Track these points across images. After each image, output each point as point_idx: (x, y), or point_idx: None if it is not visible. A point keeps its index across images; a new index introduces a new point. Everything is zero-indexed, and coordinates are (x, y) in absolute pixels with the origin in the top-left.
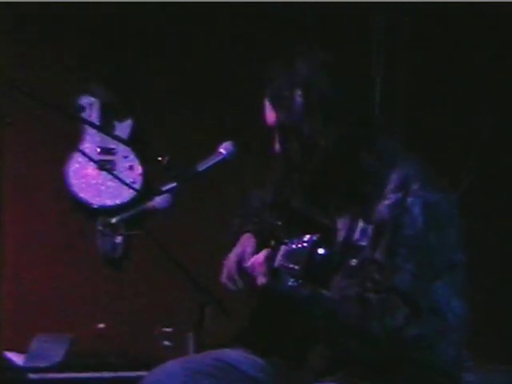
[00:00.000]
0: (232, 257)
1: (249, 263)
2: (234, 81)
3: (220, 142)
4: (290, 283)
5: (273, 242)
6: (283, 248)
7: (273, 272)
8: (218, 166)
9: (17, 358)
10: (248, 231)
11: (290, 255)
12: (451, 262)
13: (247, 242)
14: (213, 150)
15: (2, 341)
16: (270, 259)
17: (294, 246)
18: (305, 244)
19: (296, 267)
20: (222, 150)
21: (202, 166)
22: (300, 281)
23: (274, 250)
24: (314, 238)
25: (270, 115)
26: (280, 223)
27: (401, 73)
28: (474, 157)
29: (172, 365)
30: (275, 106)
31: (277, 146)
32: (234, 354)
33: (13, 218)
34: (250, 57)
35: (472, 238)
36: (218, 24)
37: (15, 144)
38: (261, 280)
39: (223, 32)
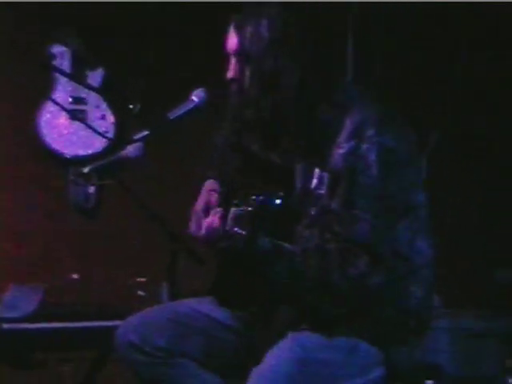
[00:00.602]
0: (197, 207)
1: (204, 228)
2: (210, 28)
3: (192, 89)
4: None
5: (224, 204)
6: (232, 211)
7: (226, 236)
8: (190, 113)
9: None
10: (211, 177)
11: (238, 219)
12: (411, 203)
13: (211, 190)
14: (185, 97)
15: None
16: (223, 223)
17: (240, 210)
18: (250, 208)
19: (243, 232)
20: (193, 98)
21: (173, 114)
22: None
23: (226, 211)
24: (260, 198)
25: (232, 41)
26: (240, 167)
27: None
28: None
29: (146, 314)
30: (239, 32)
31: (231, 73)
32: (207, 303)
33: None
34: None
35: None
36: None
37: None
38: (218, 244)
39: None
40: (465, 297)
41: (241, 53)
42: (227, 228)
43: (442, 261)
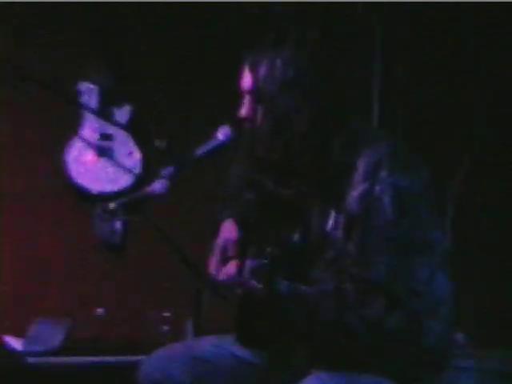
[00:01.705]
0: (216, 247)
1: (221, 276)
2: (232, 70)
3: (217, 127)
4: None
5: (240, 251)
6: (248, 264)
7: (243, 286)
8: (216, 151)
9: (15, 343)
10: (229, 216)
11: (254, 272)
12: (427, 239)
13: (228, 229)
14: (211, 135)
15: (1, 326)
16: (239, 273)
17: (257, 262)
18: (265, 260)
19: (260, 285)
20: (219, 135)
21: (200, 151)
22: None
23: (242, 261)
24: (276, 250)
25: (247, 79)
26: (255, 205)
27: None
28: (470, 153)
29: (171, 350)
30: (253, 71)
31: (244, 112)
32: (230, 341)
33: (12, 204)
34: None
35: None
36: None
37: (15, 128)
38: (236, 291)
39: (224, 21)
40: (493, 337)
41: (254, 92)
42: (244, 280)
43: (470, 299)
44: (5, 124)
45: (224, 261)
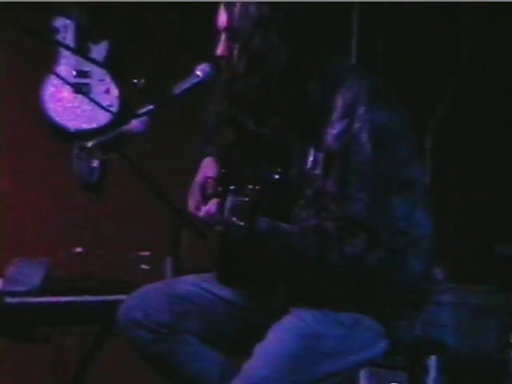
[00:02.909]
0: (195, 185)
1: (202, 213)
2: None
3: (196, 64)
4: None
5: (220, 189)
6: (229, 200)
7: (224, 223)
8: (195, 88)
9: None
10: (209, 155)
11: (235, 209)
12: (407, 177)
13: (208, 166)
14: (189, 72)
15: None
16: (219, 211)
17: (238, 200)
18: (247, 198)
19: (241, 223)
20: (198, 72)
21: (178, 89)
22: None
23: (223, 198)
24: (257, 188)
25: (222, 17)
26: (235, 143)
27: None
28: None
29: (149, 290)
30: (228, 10)
31: (219, 50)
32: (209, 280)
33: None
34: None
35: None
36: None
37: None
38: (216, 228)
39: None
40: (468, 272)
41: (229, 30)
42: (225, 217)
43: (446, 237)
44: None
45: (204, 199)
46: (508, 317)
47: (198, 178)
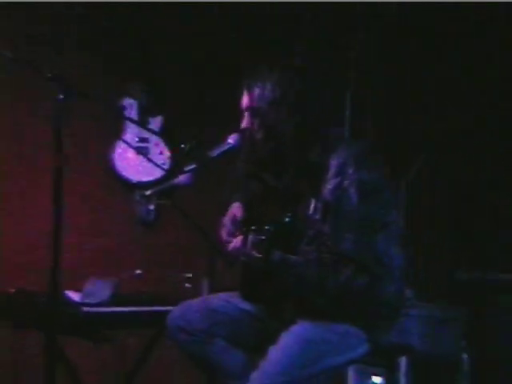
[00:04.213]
0: (226, 220)
1: (230, 247)
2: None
3: (229, 134)
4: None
5: (244, 229)
6: (250, 238)
7: (246, 255)
8: (228, 152)
9: (74, 296)
10: (236, 201)
11: (255, 244)
12: (386, 220)
13: (235, 208)
14: (223, 140)
15: (63, 282)
16: (243, 245)
17: (257, 237)
18: (263, 237)
19: (259, 256)
20: (230, 140)
21: (215, 152)
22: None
23: (246, 236)
24: (272, 229)
25: (245, 99)
26: (257, 192)
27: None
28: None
29: (190, 304)
30: (249, 93)
31: (244, 123)
32: (236, 297)
33: (71, 190)
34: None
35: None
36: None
37: (75, 136)
38: (241, 258)
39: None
40: (432, 292)
41: (250, 109)
42: (247, 251)
43: (416, 264)
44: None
45: (231, 234)
46: (462, 327)
47: (228, 216)
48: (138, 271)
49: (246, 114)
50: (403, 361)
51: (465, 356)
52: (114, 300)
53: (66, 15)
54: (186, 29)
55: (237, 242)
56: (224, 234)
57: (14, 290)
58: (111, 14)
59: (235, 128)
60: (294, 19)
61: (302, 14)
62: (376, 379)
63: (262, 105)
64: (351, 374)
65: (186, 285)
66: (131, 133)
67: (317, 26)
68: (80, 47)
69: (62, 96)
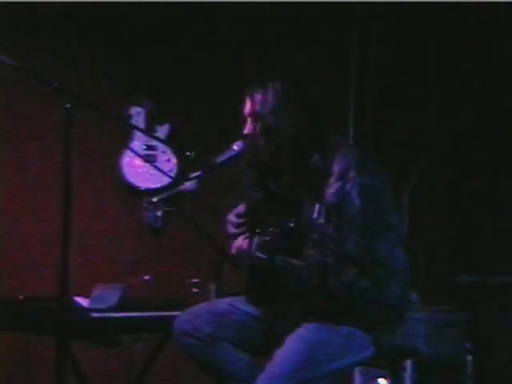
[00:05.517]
0: (231, 215)
1: (234, 249)
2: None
3: (233, 141)
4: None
5: (249, 232)
6: (255, 240)
7: (251, 258)
8: (233, 159)
9: (83, 301)
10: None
11: (260, 246)
12: (387, 224)
13: (240, 208)
14: (228, 146)
15: (72, 288)
16: (249, 247)
17: (262, 239)
18: (268, 238)
19: (264, 256)
20: (235, 147)
21: (220, 159)
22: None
23: (251, 239)
24: (276, 230)
25: (247, 106)
26: (261, 198)
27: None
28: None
29: (197, 308)
30: (251, 99)
31: (246, 129)
32: (242, 301)
33: (80, 197)
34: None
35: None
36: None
37: (83, 146)
38: (246, 261)
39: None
40: (436, 296)
41: (252, 115)
42: (252, 252)
43: (419, 270)
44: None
45: (236, 226)
46: (465, 330)
47: (232, 213)
48: (146, 277)
49: (249, 119)
50: (408, 363)
51: (469, 358)
52: (122, 305)
53: (70, 24)
54: (193, 38)
55: (242, 244)
56: (229, 227)
57: (23, 297)
58: (118, 22)
59: (240, 135)
60: (294, 19)
61: (303, 15)
62: (381, 381)
63: (264, 110)
64: (357, 377)
65: (194, 290)
66: (138, 140)
67: (317, 25)
68: (86, 56)
69: (69, 105)
